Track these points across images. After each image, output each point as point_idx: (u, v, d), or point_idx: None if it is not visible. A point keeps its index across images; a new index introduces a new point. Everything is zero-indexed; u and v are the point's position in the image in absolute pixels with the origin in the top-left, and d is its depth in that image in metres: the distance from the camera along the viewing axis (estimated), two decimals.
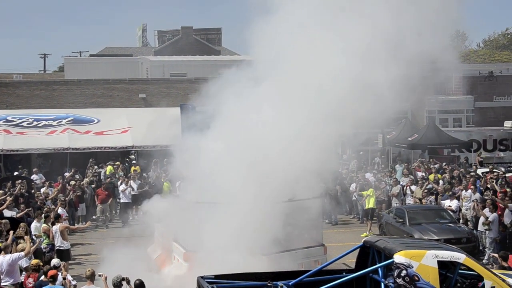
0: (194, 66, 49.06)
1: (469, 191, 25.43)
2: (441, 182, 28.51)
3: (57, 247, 19.87)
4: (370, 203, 27.56)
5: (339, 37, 17.48)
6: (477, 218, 23.35)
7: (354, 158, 36.20)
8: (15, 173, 31.93)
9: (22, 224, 19.07)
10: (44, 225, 20.50)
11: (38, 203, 24.57)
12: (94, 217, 29.55)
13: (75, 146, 35.14)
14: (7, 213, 22.43)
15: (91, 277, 14.41)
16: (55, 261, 16.14)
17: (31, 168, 33.79)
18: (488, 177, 27.99)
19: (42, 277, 15.02)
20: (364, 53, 17.31)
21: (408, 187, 28.38)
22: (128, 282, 14.11)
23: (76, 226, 21.54)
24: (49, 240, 20.03)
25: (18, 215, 22.18)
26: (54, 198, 25.88)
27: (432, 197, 26.38)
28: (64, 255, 19.36)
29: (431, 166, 32.07)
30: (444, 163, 32.83)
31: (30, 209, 23.51)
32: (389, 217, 25.34)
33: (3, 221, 19.05)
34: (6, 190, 25.75)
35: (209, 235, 17.24)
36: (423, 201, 26.44)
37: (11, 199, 23.59)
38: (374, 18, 17.45)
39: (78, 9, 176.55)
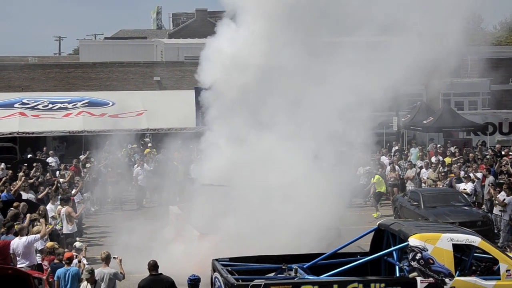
0: None
1: (480, 173, 25.33)
2: (455, 165, 28.30)
3: (59, 231, 19.97)
4: (381, 188, 27.40)
5: None
6: (492, 201, 23.26)
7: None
8: (29, 156, 32.11)
9: (41, 207, 19.14)
10: (59, 207, 20.62)
11: (54, 186, 24.66)
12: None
13: (90, 129, 35.26)
14: (24, 195, 22.54)
15: (106, 260, 14.47)
16: (78, 244, 16.36)
17: (47, 150, 33.89)
18: (504, 161, 27.82)
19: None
20: None
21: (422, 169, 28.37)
22: None
23: (76, 214, 21.11)
24: None
25: (39, 197, 22.28)
26: (69, 180, 25.98)
27: (448, 180, 26.23)
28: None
29: (448, 149, 31.81)
30: (455, 147, 32.44)
31: (50, 190, 23.59)
32: (404, 200, 25.24)
33: (21, 203, 19.15)
34: (22, 173, 25.83)
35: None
36: (439, 184, 26.30)
37: (24, 180, 23.63)
38: None
39: None
